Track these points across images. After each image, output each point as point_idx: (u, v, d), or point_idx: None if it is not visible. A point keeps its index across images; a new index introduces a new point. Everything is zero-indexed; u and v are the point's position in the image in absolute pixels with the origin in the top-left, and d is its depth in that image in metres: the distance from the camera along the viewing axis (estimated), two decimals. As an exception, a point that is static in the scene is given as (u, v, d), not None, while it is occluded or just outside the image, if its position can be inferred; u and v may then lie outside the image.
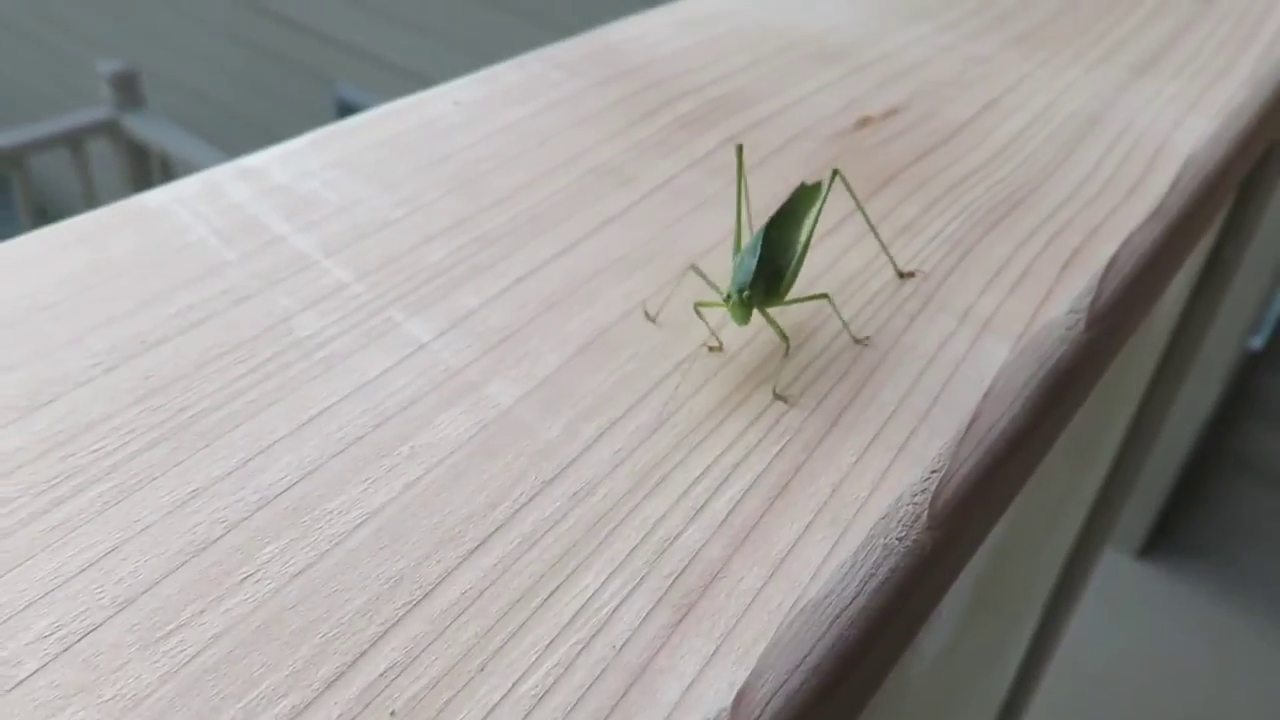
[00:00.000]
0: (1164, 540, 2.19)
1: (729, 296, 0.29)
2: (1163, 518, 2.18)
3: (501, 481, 0.24)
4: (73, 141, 2.70)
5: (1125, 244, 0.36)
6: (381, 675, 0.20)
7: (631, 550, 0.23)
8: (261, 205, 0.34)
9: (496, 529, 0.23)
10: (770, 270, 0.30)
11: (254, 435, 0.25)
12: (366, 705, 0.19)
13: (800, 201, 0.33)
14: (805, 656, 0.21)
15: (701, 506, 0.24)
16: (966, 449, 0.27)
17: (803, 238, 0.32)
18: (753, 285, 0.29)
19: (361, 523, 0.23)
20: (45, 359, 0.27)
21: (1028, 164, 0.41)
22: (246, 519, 0.23)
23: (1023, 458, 0.29)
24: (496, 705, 0.20)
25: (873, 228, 0.35)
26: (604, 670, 0.20)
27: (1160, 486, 2.12)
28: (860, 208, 0.35)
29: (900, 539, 0.24)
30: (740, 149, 0.34)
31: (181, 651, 0.20)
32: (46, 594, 0.21)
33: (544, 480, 0.25)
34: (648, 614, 0.22)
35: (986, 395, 0.28)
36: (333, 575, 0.22)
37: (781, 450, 0.26)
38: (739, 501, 0.25)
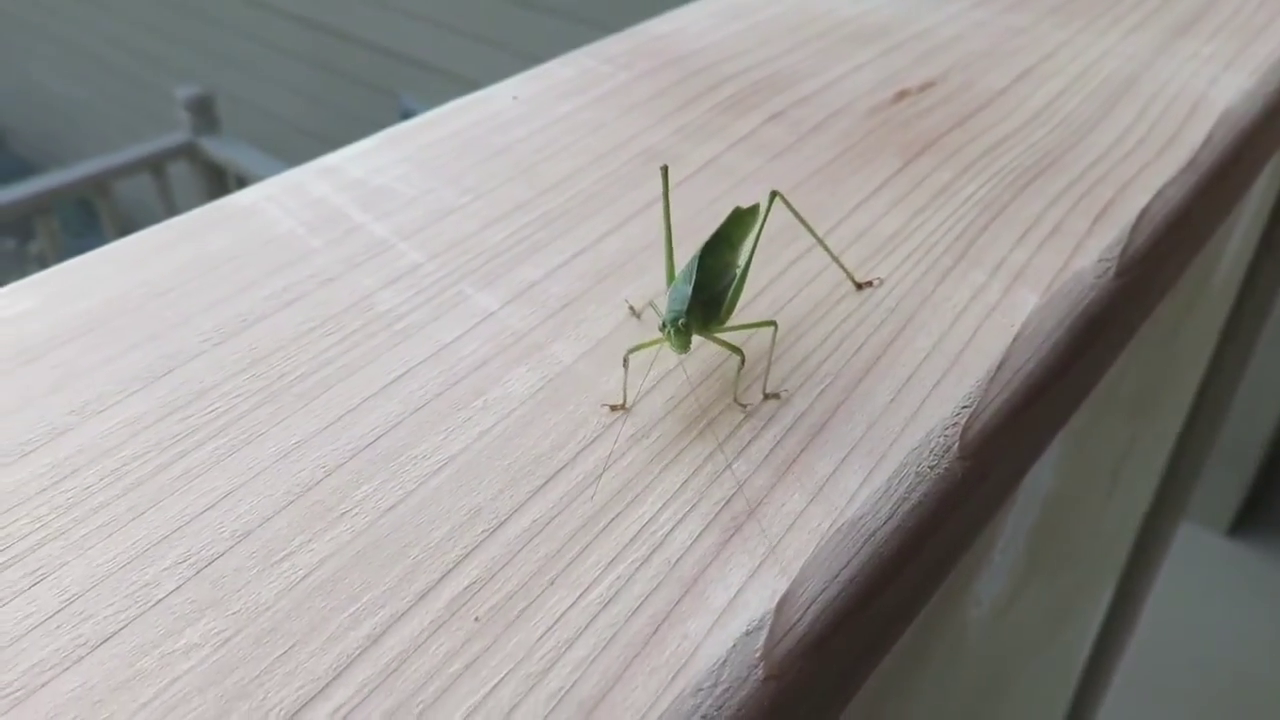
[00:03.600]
0: (1255, 518, 2.14)
1: (663, 325, 0.28)
2: (1253, 495, 2.13)
3: (565, 427, 0.27)
4: (154, 166, 2.82)
5: (1157, 196, 0.37)
6: (465, 589, 0.23)
7: (684, 482, 0.26)
8: (341, 199, 0.37)
9: (562, 467, 0.26)
10: (707, 297, 0.29)
11: (345, 395, 0.28)
12: (454, 613, 0.22)
13: (735, 225, 0.32)
14: (842, 569, 0.24)
15: (747, 444, 0.27)
16: (996, 387, 0.29)
17: (741, 261, 0.31)
18: (689, 311, 0.28)
19: (443, 465, 0.26)
20: (162, 338, 0.30)
21: (1062, 127, 0.42)
22: (343, 464, 0.26)
23: (1053, 398, 0.31)
24: (565, 612, 0.22)
25: (821, 241, 0.34)
26: (660, 582, 0.23)
27: (1249, 463, 2.07)
28: (805, 224, 0.34)
29: (932, 467, 0.26)
30: (665, 170, 0.33)
31: (294, 572, 0.23)
32: (177, 530, 0.24)
33: (604, 424, 0.27)
34: (699, 535, 0.24)
35: (1016, 339, 0.30)
36: (420, 509, 0.25)
37: (821, 393, 0.28)
38: (781, 440, 0.27)
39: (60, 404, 0.28)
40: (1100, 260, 0.34)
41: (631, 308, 0.31)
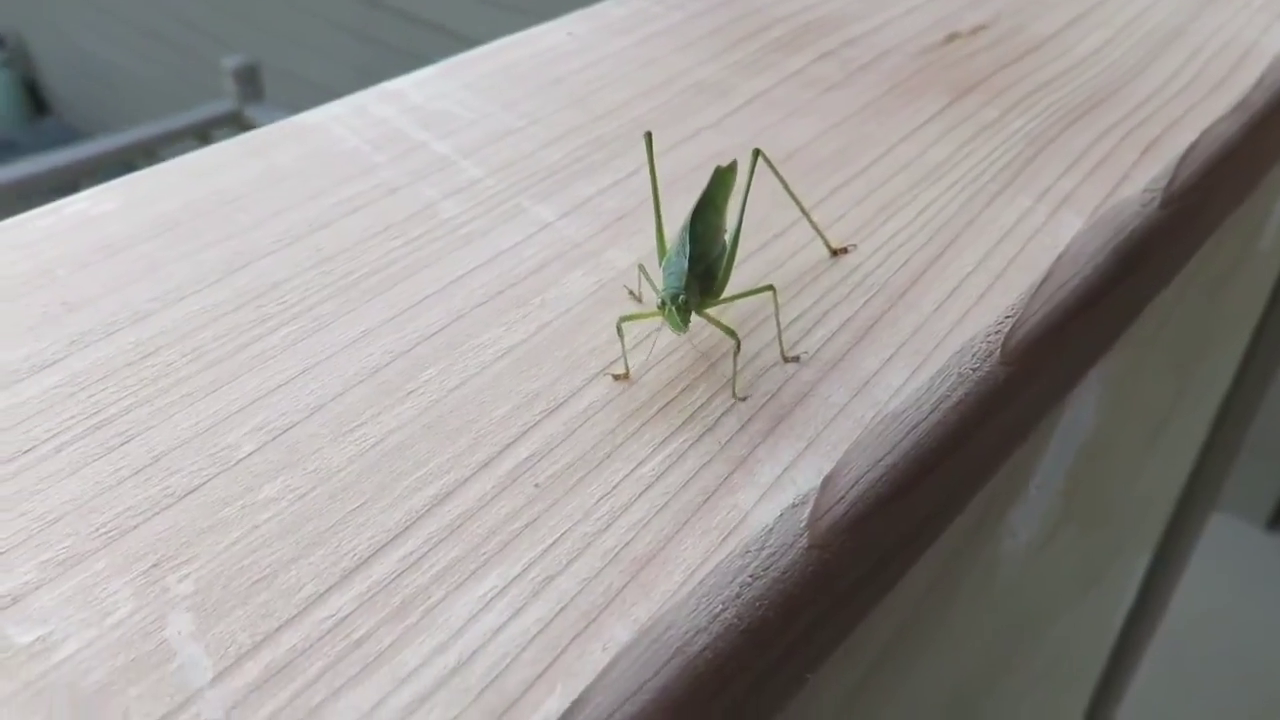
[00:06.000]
0: (1292, 511, 2.11)
1: (663, 304, 0.27)
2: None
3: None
4: (200, 133, 2.86)
5: (1206, 132, 0.37)
6: (525, 460, 0.24)
7: (733, 374, 0.27)
8: (403, 120, 0.39)
9: (616, 359, 0.27)
10: (703, 269, 0.28)
11: (410, 291, 0.30)
12: (515, 480, 0.24)
13: (719, 187, 0.30)
14: (885, 455, 0.25)
15: (796, 342, 0.28)
16: (1039, 300, 0.29)
17: (730, 226, 0.30)
18: (687, 287, 0.27)
19: (504, 353, 0.27)
20: (235, 238, 0.32)
21: (1111, 70, 0.42)
22: (409, 350, 0.27)
23: (1094, 318, 0.31)
24: (620, 482, 0.23)
25: (799, 203, 0.32)
26: (711, 459, 0.24)
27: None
28: (785, 185, 0.32)
29: (974, 369, 0.27)
30: (649, 136, 0.31)
31: (364, 441, 0.25)
32: (254, 401, 0.26)
33: (659, 321, 0.28)
34: (747, 421, 0.25)
35: (1060, 258, 0.31)
36: (482, 390, 0.26)
37: (869, 300, 0.29)
38: (828, 340, 0.28)
39: (142, 292, 0.29)
40: (1146, 190, 0.34)
41: (631, 292, 0.30)
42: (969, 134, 0.38)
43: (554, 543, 0.22)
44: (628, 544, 0.22)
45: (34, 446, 0.24)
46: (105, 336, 0.28)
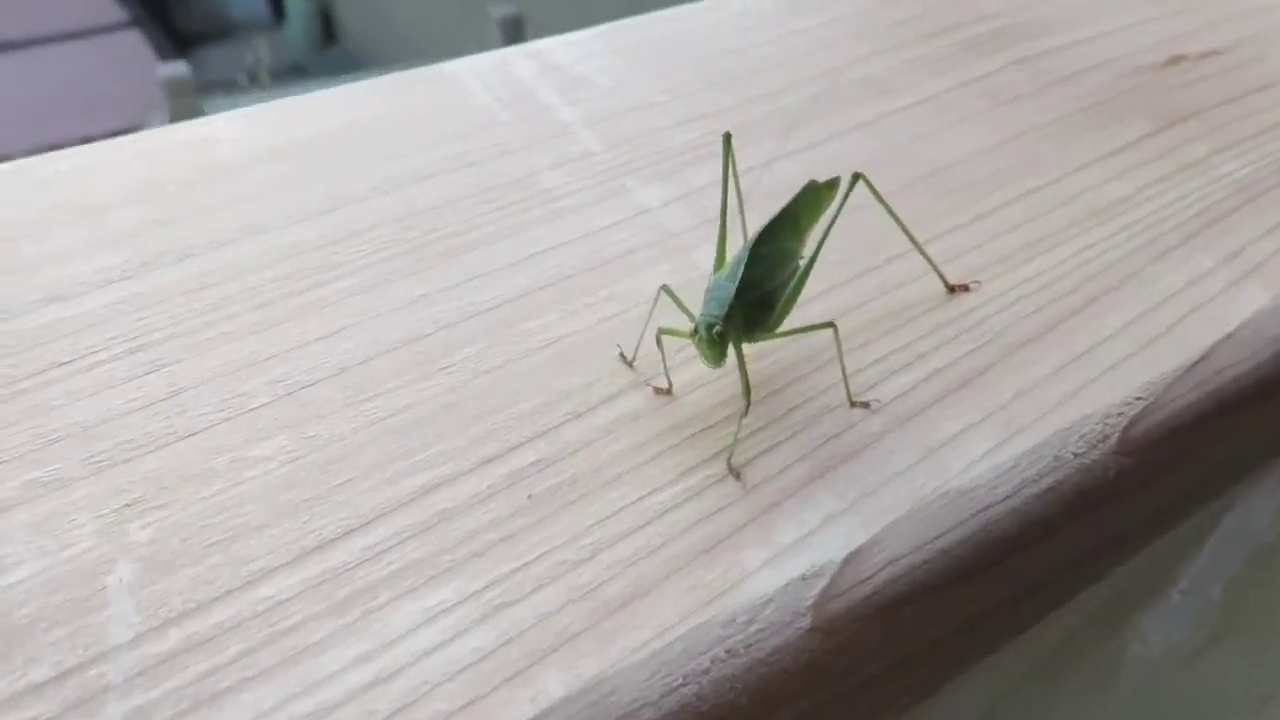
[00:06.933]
0: None
1: (695, 331, 0.23)
2: None
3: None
4: (457, 73, 2.98)
5: None
6: (531, 464, 0.22)
7: (791, 409, 0.24)
8: (540, 81, 0.37)
9: (663, 371, 0.25)
10: (756, 297, 0.24)
11: (481, 260, 0.28)
12: (512, 485, 0.22)
13: (804, 206, 0.26)
14: (936, 537, 0.21)
15: (872, 385, 0.24)
16: (1186, 384, 0.24)
17: (808, 252, 0.26)
18: (728, 317, 0.23)
19: (551, 343, 0.25)
20: (334, 180, 0.31)
21: (1370, 118, 0.35)
22: (456, 323, 0.26)
23: (1262, 416, 0.26)
24: (621, 509, 0.21)
25: (910, 236, 0.27)
26: (731, 502, 0.21)
27: None
28: (891, 213, 0.27)
29: (1078, 454, 0.23)
30: (728, 137, 0.27)
31: (376, 413, 0.23)
32: (287, 351, 0.25)
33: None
34: (788, 465, 0.22)
35: (1229, 337, 0.26)
36: (515, 379, 0.24)
37: (975, 350, 0.25)
38: (913, 388, 0.24)
39: (229, 220, 0.29)
40: (1370, 271, 0.28)
41: (621, 354, 0.25)
42: (1162, 172, 0.32)
43: (525, 565, 0.20)
44: (604, 583, 0.19)
45: (70, 361, 0.24)
46: (176, 261, 0.28)
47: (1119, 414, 0.23)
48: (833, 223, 0.26)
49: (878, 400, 0.24)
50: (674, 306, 0.25)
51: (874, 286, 0.27)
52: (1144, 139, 0.34)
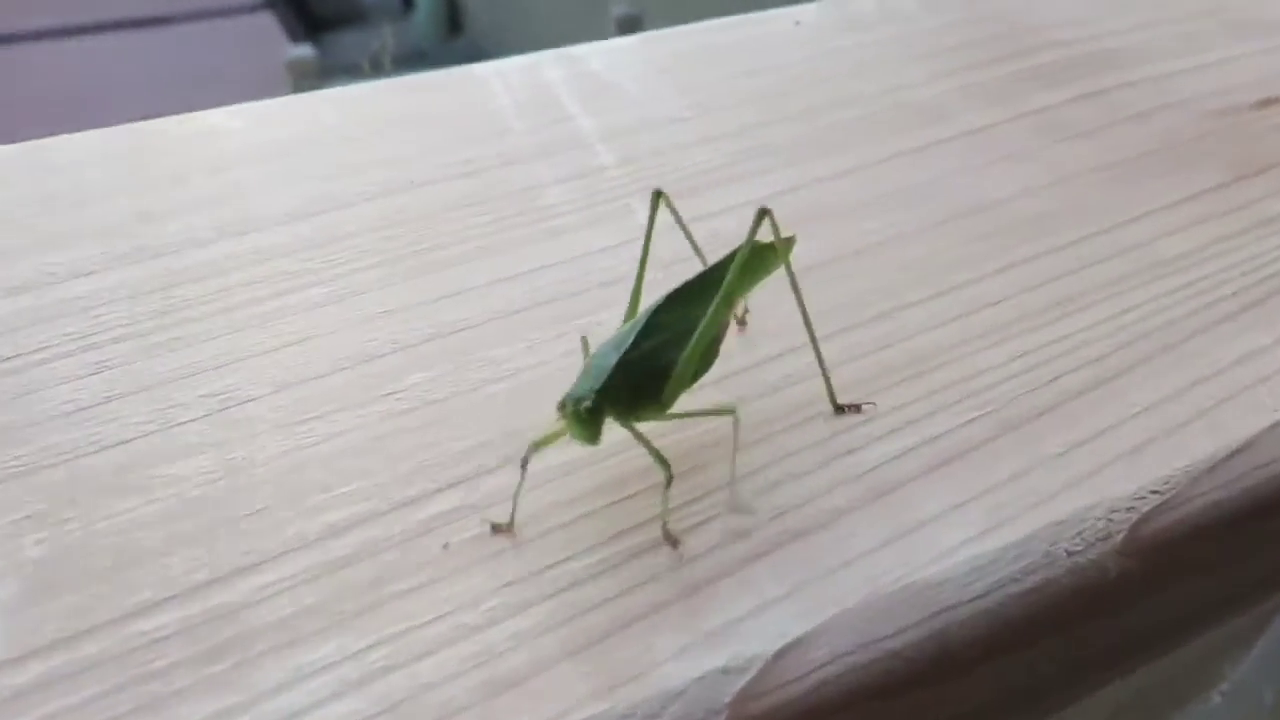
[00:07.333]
0: None
1: (562, 405, 0.20)
2: None
3: (653, 373, 0.24)
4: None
5: None
6: (452, 510, 0.20)
7: (753, 472, 0.21)
8: (565, 88, 0.35)
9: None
10: (644, 371, 0.21)
11: (459, 277, 0.27)
12: (427, 532, 0.20)
13: (747, 263, 0.23)
14: (887, 636, 0.18)
15: (845, 452, 0.22)
16: (1216, 479, 0.21)
17: (721, 318, 0.22)
18: (603, 391, 0.20)
19: (508, 375, 0.24)
20: (330, 180, 0.30)
21: None
22: (414, 345, 0.24)
23: (1311, 519, 0.22)
24: (540, 571, 0.19)
25: (811, 334, 0.23)
26: (657, 575, 0.19)
27: None
28: (798, 296, 0.23)
29: (1072, 553, 0.20)
30: (658, 195, 0.24)
31: (307, 437, 0.22)
32: (231, 363, 0.24)
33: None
34: (729, 542, 0.20)
35: (1275, 426, 0.22)
36: (459, 413, 0.23)
37: (972, 421, 0.23)
38: (892, 460, 0.22)
39: (213, 216, 0.28)
40: None
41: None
42: (1231, 228, 0.29)
43: (420, 625, 0.18)
44: (499, 655, 0.18)
45: (36, 350, 0.24)
46: (154, 257, 0.27)
47: (1129, 508, 0.21)
48: (763, 281, 0.23)
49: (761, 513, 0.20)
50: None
51: (878, 338, 0.25)
52: (1216, 189, 0.30)
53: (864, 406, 0.23)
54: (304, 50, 2.90)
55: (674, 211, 0.24)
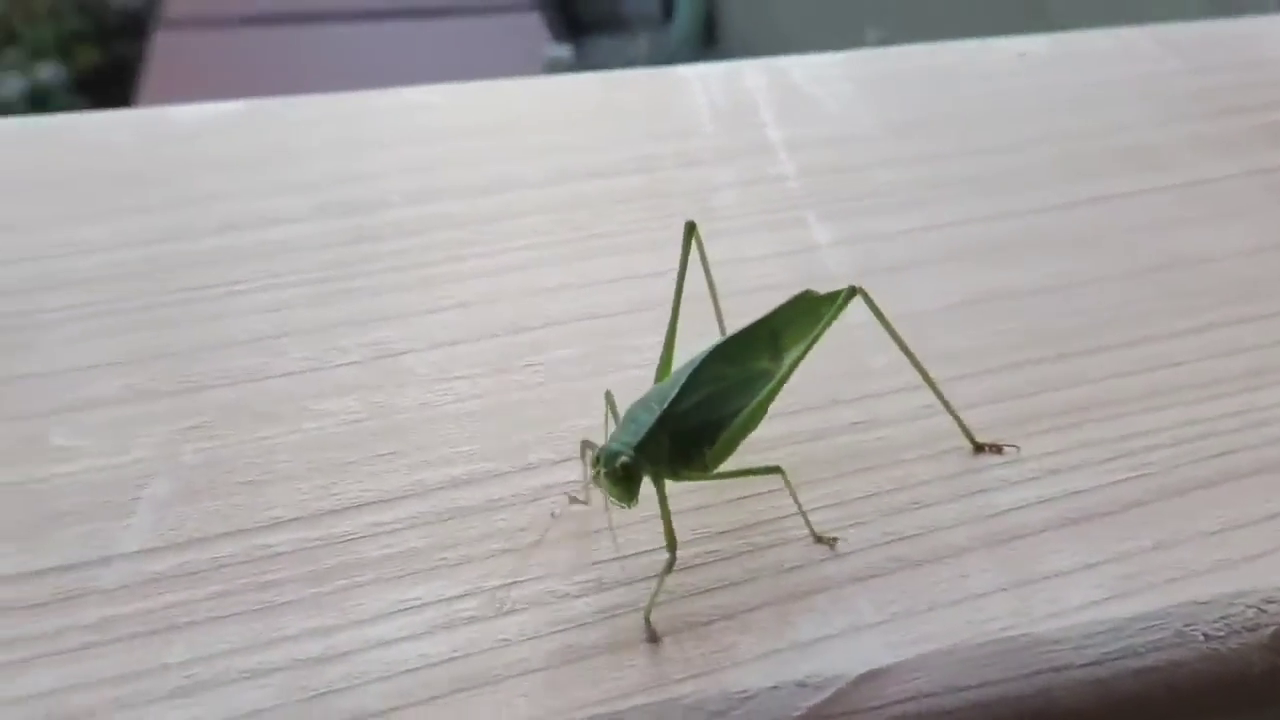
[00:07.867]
0: None
1: (596, 461, 0.19)
2: None
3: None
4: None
5: None
6: (567, 483, 0.21)
7: (867, 496, 0.21)
8: (763, 96, 0.36)
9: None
10: (690, 426, 0.20)
11: (618, 266, 0.27)
12: (536, 499, 0.20)
13: (790, 321, 0.21)
14: (977, 685, 0.17)
15: (976, 491, 0.21)
16: (1401, 589, 0.19)
17: (779, 372, 0.21)
18: (641, 448, 0.19)
19: (647, 364, 0.24)
20: (511, 162, 0.32)
21: None
22: (563, 324, 0.25)
23: None
24: (638, 555, 0.19)
25: (930, 382, 0.22)
26: (752, 578, 0.19)
27: None
28: (896, 338, 0.22)
29: (1211, 637, 0.18)
30: (691, 226, 0.22)
31: (446, 395, 0.23)
32: (392, 319, 0.25)
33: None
34: (841, 555, 0.19)
35: None
36: (591, 393, 0.23)
37: (1126, 480, 0.21)
38: (1025, 506, 0.20)
39: (399, 186, 0.30)
40: None
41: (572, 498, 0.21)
42: None
43: (511, 584, 0.19)
44: (580, 626, 0.18)
45: (235, 283, 0.26)
46: (346, 214, 0.29)
47: (1284, 601, 0.19)
48: (817, 337, 0.21)
49: (842, 539, 0.20)
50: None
51: (1024, 384, 0.24)
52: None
53: (1005, 449, 0.22)
54: (563, 50, 3.03)
55: (701, 251, 0.23)
